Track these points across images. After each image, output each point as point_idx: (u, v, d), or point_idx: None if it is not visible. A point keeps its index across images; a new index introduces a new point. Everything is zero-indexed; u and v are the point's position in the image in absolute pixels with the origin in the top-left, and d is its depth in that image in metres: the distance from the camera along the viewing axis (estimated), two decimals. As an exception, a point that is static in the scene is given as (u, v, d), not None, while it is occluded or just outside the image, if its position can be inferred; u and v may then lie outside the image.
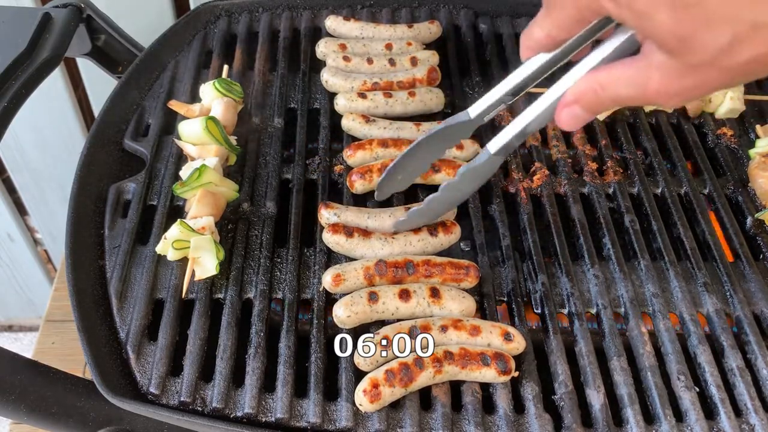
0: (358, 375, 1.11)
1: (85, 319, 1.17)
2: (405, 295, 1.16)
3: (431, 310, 1.17)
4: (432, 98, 1.50)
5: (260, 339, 1.16)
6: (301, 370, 1.14)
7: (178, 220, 1.22)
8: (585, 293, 1.26)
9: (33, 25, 1.44)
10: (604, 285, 1.26)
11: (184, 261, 1.24)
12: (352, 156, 1.39)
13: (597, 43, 0.90)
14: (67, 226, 1.28)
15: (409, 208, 1.25)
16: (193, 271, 1.20)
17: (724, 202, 1.40)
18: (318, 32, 1.71)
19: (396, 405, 1.10)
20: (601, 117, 1.54)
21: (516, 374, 1.12)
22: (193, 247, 1.20)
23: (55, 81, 2.23)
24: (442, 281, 1.20)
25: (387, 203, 1.34)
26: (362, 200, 1.38)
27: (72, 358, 2.18)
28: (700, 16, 0.67)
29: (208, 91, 1.46)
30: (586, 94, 0.86)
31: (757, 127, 1.52)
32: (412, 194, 1.36)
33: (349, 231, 1.24)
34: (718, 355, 1.19)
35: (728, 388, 1.14)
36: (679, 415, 1.11)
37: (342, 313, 1.14)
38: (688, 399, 1.12)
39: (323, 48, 1.60)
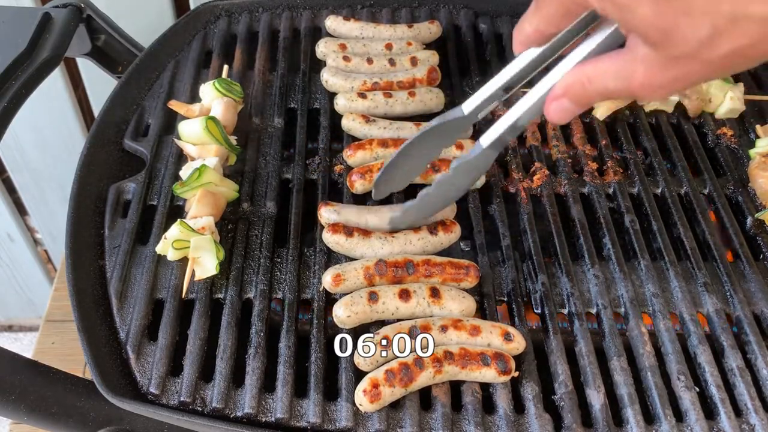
0: (358, 375, 1.11)
1: (85, 319, 1.17)
2: (405, 295, 1.16)
3: (431, 310, 1.17)
4: (432, 98, 1.50)
5: (260, 339, 1.16)
6: (301, 370, 1.14)
7: (178, 220, 1.22)
8: (585, 293, 1.26)
9: (33, 25, 1.44)
10: (604, 285, 1.26)
11: (184, 261, 1.24)
12: (352, 156, 1.39)
13: (588, 36, 0.90)
14: (67, 226, 1.28)
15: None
16: (193, 271, 1.20)
17: (724, 202, 1.40)
18: (318, 32, 1.71)
19: (396, 405, 1.10)
20: (601, 117, 1.54)
21: (516, 374, 1.12)
22: (193, 247, 1.20)
23: (55, 81, 2.23)
24: (442, 281, 1.20)
25: (386, 203, 1.34)
26: (362, 200, 1.38)
27: (72, 358, 2.17)
28: (680, 8, 0.68)
29: (208, 91, 1.46)
30: (573, 86, 0.86)
31: (757, 127, 1.52)
32: (412, 194, 1.35)
33: (348, 230, 1.24)
34: (718, 355, 1.19)
35: (728, 388, 1.14)
36: (679, 415, 1.11)
37: (342, 313, 1.14)
38: (688, 399, 1.12)
39: (323, 48, 1.60)
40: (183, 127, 1.38)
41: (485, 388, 1.13)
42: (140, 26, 1.84)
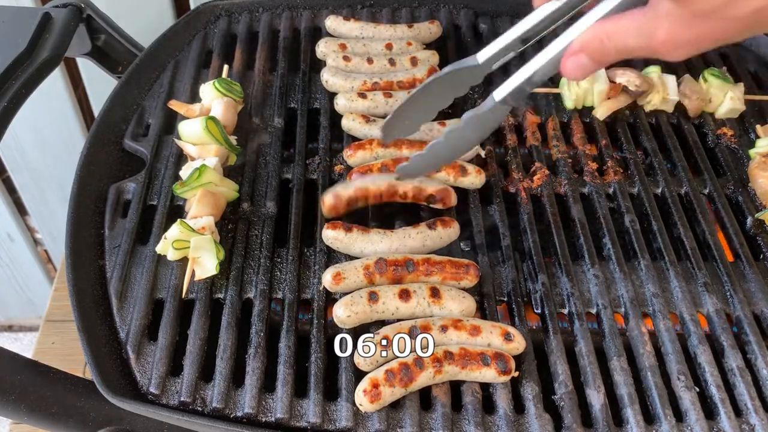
0: (358, 375, 1.11)
1: (85, 319, 1.17)
2: (405, 295, 1.16)
3: (431, 310, 1.17)
4: (432, 98, 1.50)
5: (260, 339, 1.16)
6: (301, 370, 1.14)
7: (178, 220, 1.22)
8: (585, 293, 1.26)
9: (33, 25, 1.44)
10: (604, 285, 1.26)
11: (184, 261, 1.24)
12: (353, 156, 1.39)
13: None
14: (67, 226, 1.28)
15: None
16: (193, 271, 1.20)
17: (724, 202, 1.40)
18: (318, 32, 1.71)
19: (396, 405, 1.10)
20: (601, 117, 1.54)
21: (516, 374, 1.12)
22: (193, 247, 1.20)
23: (55, 81, 2.22)
24: (442, 279, 1.20)
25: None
26: (362, 200, 1.38)
27: (72, 358, 2.17)
28: None
29: (208, 91, 1.46)
30: (592, 42, 0.85)
31: (757, 127, 1.52)
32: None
33: (347, 226, 1.25)
34: (718, 355, 1.19)
35: (728, 388, 1.14)
36: (679, 415, 1.11)
37: (342, 313, 1.14)
38: (688, 399, 1.12)
39: (323, 48, 1.60)
40: (183, 127, 1.38)
41: (485, 388, 1.13)
42: (140, 26, 1.84)
